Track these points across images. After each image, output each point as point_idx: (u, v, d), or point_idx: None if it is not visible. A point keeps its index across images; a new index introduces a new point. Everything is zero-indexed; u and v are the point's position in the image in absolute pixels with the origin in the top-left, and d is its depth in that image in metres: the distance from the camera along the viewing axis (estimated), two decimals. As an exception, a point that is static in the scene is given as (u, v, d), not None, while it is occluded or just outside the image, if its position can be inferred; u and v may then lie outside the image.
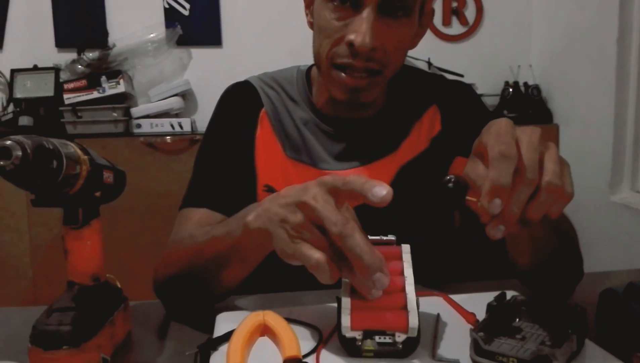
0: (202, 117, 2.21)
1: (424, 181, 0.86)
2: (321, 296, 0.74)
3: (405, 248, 0.66)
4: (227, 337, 0.61)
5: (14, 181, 0.50)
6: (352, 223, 0.54)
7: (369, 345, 0.58)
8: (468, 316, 0.67)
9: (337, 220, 0.53)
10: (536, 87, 2.26)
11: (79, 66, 2.12)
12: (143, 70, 2.24)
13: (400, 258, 0.65)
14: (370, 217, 0.80)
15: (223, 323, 0.67)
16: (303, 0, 0.91)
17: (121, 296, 0.69)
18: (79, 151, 0.57)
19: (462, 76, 2.24)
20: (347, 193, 0.55)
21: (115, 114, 2.07)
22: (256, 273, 0.83)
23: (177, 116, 2.18)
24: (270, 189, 0.90)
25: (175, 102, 2.17)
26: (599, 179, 1.97)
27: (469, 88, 1.02)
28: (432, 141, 0.94)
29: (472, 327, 0.59)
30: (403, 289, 0.61)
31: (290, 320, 0.63)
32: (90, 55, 2.13)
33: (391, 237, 0.68)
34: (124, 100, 2.15)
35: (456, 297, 0.72)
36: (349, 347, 0.58)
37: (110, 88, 2.09)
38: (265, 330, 0.62)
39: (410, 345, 0.58)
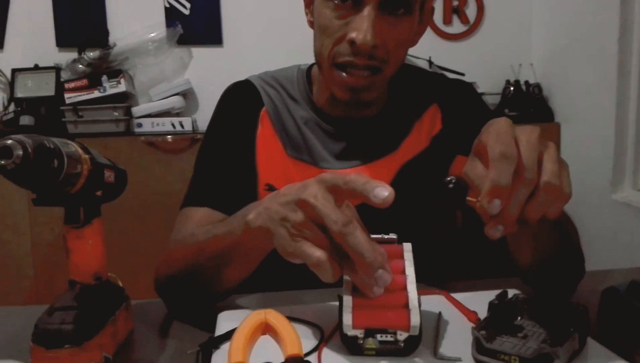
0: (203, 117, 2.21)
1: (424, 180, 0.86)
2: (323, 295, 0.74)
3: (407, 247, 0.66)
4: (228, 335, 0.61)
5: (15, 181, 0.50)
6: (352, 220, 0.53)
7: (370, 343, 0.58)
8: (470, 314, 0.67)
9: (338, 218, 0.53)
10: (537, 86, 2.25)
11: (80, 66, 2.12)
12: (144, 69, 2.24)
13: (401, 256, 0.65)
14: (371, 216, 0.80)
15: (224, 321, 0.67)
16: (303, 0, 0.91)
17: (123, 295, 0.69)
18: (80, 150, 0.57)
19: (463, 74, 2.24)
20: (347, 192, 0.55)
21: (116, 114, 2.07)
22: (257, 272, 0.83)
23: (178, 115, 2.18)
24: (271, 188, 0.90)
25: (176, 102, 2.17)
26: (601, 178, 1.97)
27: (469, 87, 1.02)
28: (432, 140, 0.94)
29: (474, 325, 0.59)
30: (404, 287, 0.61)
31: (291, 319, 0.63)
32: (91, 54, 2.13)
33: (392, 236, 0.68)
34: (125, 99, 2.15)
35: (458, 296, 0.72)
36: (350, 346, 0.58)
37: (111, 87, 2.09)
38: (266, 329, 0.62)
39: (412, 344, 0.58)
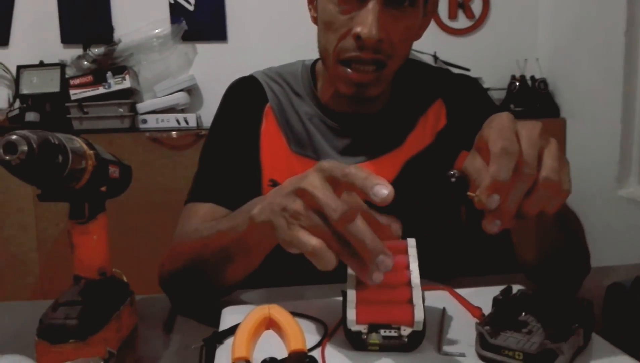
0: (208, 113, 2.21)
1: (429, 176, 0.86)
2: (326, 290, 0.74)
3: (411, 242, 0.66)
4: (232, 330, 0.62)
5: (19, 176, 0.51)
6: (352, 208, 0.53)
7: (374, 338, 0.58)
8: (474, 310, 0.67)
9: (337, 206, 0.52)
10: (543, 81, 2.24)
11: (85, 62, 2.13)
12: (149, 65, 2.24)
13: (405, 252, 0.65)
14: (376, 211, 0.80)
15: (228, 316, 0.67)
16: None
17: (127, 290, 0.70)
18: (85, 146, 0.57)
19: (468, 70, 2.23)
20: (346, 185, 0.54)
21: (121, 110, 2.07)
22: (262, 267, 0.83)
23: (182, 111, 2.18)
24: (275, 184, 0.90)
25: (180, 98, 2.17)
26: (607, 173, 1.96)
27: (474, 82, 1.02)
28: (437, 136, 0.94)
29: (478, 321, 0.59)
30: (408, 283, 0.61)
31: (295, 314, 0.63)
32: (96, 51, 2.13)
33: (397, 231, 0.68)
34: (130, 95, 2.15)
35: (462, 291, 0.72)
36: (354, 341, 0.58)
37: (116, 84, 2.09)
38: (270, 324, 0.62)
39: (416, 339, 0.58)
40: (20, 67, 2.13)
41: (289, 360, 0.55)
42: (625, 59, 1.86)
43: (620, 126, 1.90)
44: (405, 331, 0.57)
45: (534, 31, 2.40)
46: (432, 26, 2.33)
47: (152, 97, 2.21)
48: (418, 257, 0.64)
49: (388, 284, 0.62)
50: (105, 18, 2.22)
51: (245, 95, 0.97)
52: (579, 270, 0.80)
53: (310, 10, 0.91)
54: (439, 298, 0.70)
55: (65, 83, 2.09)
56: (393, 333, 0.57)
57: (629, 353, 0.56)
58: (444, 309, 0.68)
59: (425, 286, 0.61)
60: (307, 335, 0.59)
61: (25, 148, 0.49)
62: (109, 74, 2.09)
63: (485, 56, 2.36)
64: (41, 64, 2.14)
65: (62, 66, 2.13)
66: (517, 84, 2.25)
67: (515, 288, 0.66)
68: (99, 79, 2.08)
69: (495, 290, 0.64)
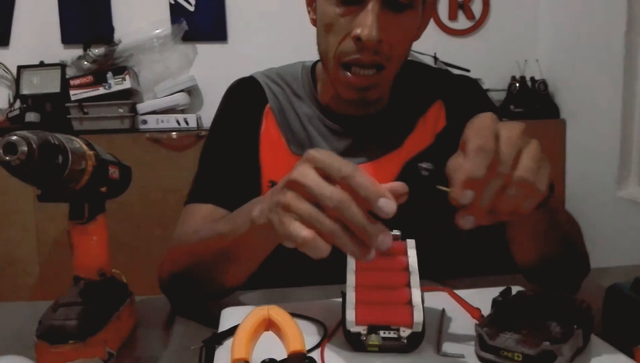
0: (208, 113, 2.21)
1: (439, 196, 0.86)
2: (326, 291, 0.74)
3: (410, 243, 0.66)
4: (231, 331, 0.62)
5: (19, 176, 0.51)
6: (345, 194, 0.52)
7: (373, 339, 0.58)
8: (473, 311, 0.67)
9: (331, 194, 0.52)
10: (543, 82, 2.24)
11: (85, 62, 2.12)
12: (149, 66, 2.24)
13: (405, 253, 0.65)
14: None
15: (228, 317, 0.67)
16: None
17: (127, 291, 0.70)
18: (85, 147, 0.57)
19: (468, 70, 2.23)
20: (345, 186, 0.53)
21: (121, 110, 2.07)
22: (261, 269, 0.83)
23: (182, 112, 2.18)
24: (275, 185, 0.90)
25: (181, 98, 2.17)
26: (606, 175, 1.96)
27: (474, 83, 1.02)
28: (437, 137, 0.94)
29: (478, 322, 0.59)
30: (408, 284, 0.61)
31: (294, 315, 0.63)
32: (96, 51, 2.13)
33: (396, 232, 0.68)
34: (130, 96, 2.15)
35: (461, 292, 0.72)
36: (353, 342, 0.58)
37: (116, 84, 2.09)
38: (269, 325, 0.62)
39: (415, 340, 0.58)
40: (20, 68, 2.13)
41: (289, 361, 0.55)
42: (625, 60, 1.86)
43: (620, 127, 1.90)
44: (405, 332, 0.57)
45: (534, 32, 2.40)
46: (432, 27, 2.33)
47: (152, 97, 2.21)
48: (417, 258, 0.64)
49: (387, 285, 0.62)
50: (106, 18, 2.22)
51: (245, 96, 0.97)
52: (577, 271, 0.80)
53: (309, 12, 0.90)
54: (438, 299, 0.70)
55: (65, 83, 2.09)
56: (392, 335, 0.57)
57: (627, 355, 0.56)
58: (443, 310, 0.68)
59: (424, 288, 0.61)
60: (307, 336, 0.59)
61: (25, 148, 0.49)
62: (109, 74, 2.09)
63: (485, 57, 2.36)
64: (41, 65, 2.14)
65: (62, 66, 2.13)
66: (517, 85, 2.25)
67: (515, 289, 0.66)
68: (99, 80, 2.08)
69: (495, 291, 0.64)
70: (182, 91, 2.19)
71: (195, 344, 0.62)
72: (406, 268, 0.63)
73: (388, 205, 0.51)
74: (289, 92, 0.96)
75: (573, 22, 2.16)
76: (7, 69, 2.17)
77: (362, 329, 0.58)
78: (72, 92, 2.06)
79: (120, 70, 2.10)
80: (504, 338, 0.57)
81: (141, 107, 2.13)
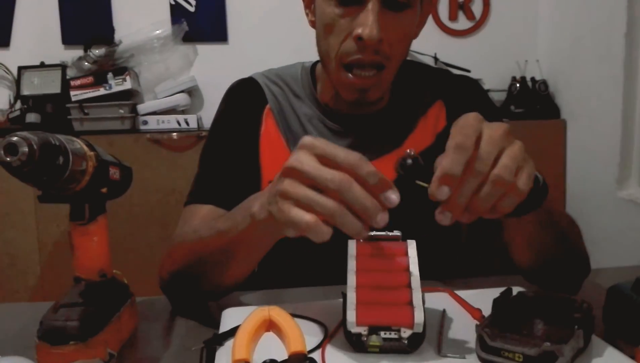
0: (208, 114, 2.20)
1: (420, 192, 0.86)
2: (326, 292, 0.74)
3: (411, 244, 0.66)
4: (232, 332, 0.62)
5: (20, 177, 0.51)
6: (346, 176, 0.53)
7: (374, 340, 0.58)
8: (474, 312, 0.67)
9: (332, 176, 0.53)
10: (543, 83, 2.24)
11: (86, 63, 2.12)
12: (149, 67, 2.24)
13: (405, 254, 0.65)
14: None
15: (229, 318, 0.67)
16: (302, 0, 0.91)
17: (127, 292, 0.70)
18: (85, 147, 0.57)
19: (468, 71, 2.22)
20: (350, 172, 0.53)
21: (121, 111, 2.07)
22: (262, 269, 0.83)
23: (183, 112, 2.18)
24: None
25: (181, 99, 2.17)
26: (607, 175, 1.95)
27: (475, 83, 1.02)
28: (437, 137, 0.94)
29: (478, 323, 0.59)
30: (409, 285, 0.61)
31: (295, 316, 0.63)
32: (97, 52, 2.13)
33: (397, 233, 0.68)
34: (130, 97, 2.15)
35: (462, 293, 0.72)
36: (354, 343, 0.58)
37: (117, 85, 2.09)
38: (270, 326, 0.62)
39: (416, 341, 0.58)
40: (21, 68, 2.13)
41: (289, 362, 0.55)
42: (626, 60, 1.86)
43: (621, 128, 1.89)
44: (406, 333, 0.57)
45: (534, 32, 2.40)
46: (433, 27, 2.33)
47: (153, 98, 2.21)
48: (418, 259, 0.64)
49: (388, 286, 0.62)
50: (106, 19, 2.22)
51: (244, 97, 0.97)
52: (577, 272, 0.80)
53: (307, 14, 0.91)
54: (439, 300, 0.70)
55: (66, 84, 2.09)
56: (393, 335, 0.57)
57: (628, 355, 0.56)
58: (444, 311, 0.68)
59: (425, 288, 0.61)
60: (307, 336, 0.59)
61: (26, 149, 0.49)
62: (110, 75, 2.08)
63: (486, 57, 2.35)
64: (42, 65, 2.14)
65: (62, 67, 2.13)
66: (518, 85, 2.24)
67: (515, 290, 0.66)
68: (100, 80, 2.08)
69: (495, 292, 0.64)
70: (182, 91, 2.19)
71: (196, 345, 0.62)
72: (407, 269, 0.63)
73: (395, 195, 0.53)
74: (288, 93, 0.96)
75: (573, 22, 2.16)
76: (7, 69, 2.17)
77: (362, 330, 0.58)
78: (72, 93, 2.06)
79: (120, 71, 2.10)
80: (505, 339, 0.57)
81: (142, 108, 2.13)
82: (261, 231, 0.64)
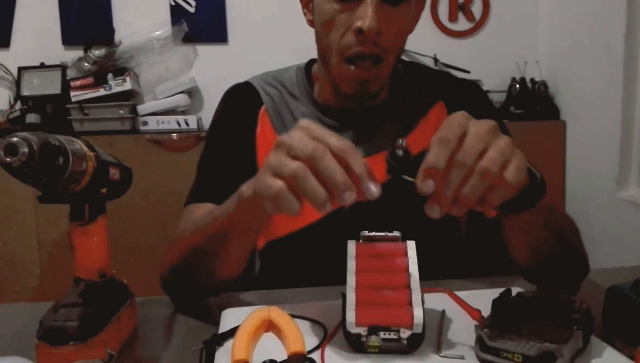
0: (208, 115, 2.18)
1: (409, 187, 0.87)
2: (326, 292, 0.74)
3: (411, 245, 0.67)
4: (232, 332, 0.62)
5: (20, 178, 0.51)
6: (322, 146, 0.54)
7: (373, 340, 0.58)
8: (473, 312, 0.67)
9: (308, 145, 0.54)
10: (543, 84, 2.24)
11: (86, 64, 2.12)
12: (149, 67, 2.24)
13: (405, 254, 0.66)
14: (375, 213, 0.80)
15: (228, 319, 0.67)
16: (299, 1, 0.93)
17: (127, 292, 0.70)
18: (85, 148, 0.57)
19: (468, 72, 2.23)
20: (340, 159, 0.54)
21: (121, 112, 2.07)
22: (262, 269, 0.83)
23: (183, 113, 2.18)
24: None
25: (181, 100, 2.17)
26: (606, 176, 1.96)
27: (476, 86, 1.03)
28: None
29: (478, 323, 0.59)
30: (408, 285, 0.61)
31: (295, 316, 0.63)
32: (97, 52, 2.13)
33: (396, 233, 0.68)
34: (130, 97, 2.15)
35: (461, 293, 0.72)
36: (353, 343, 0.58)
37: (117, 85, 2.09)
38: (270, 326, 0.63)
39: (415, 341, 0.58)
40: (21, 69, 2.13)
41: (289, 362, 0.56)
42: (625, 61, 1.86)
43: (620, 129, 1.90)
44: (405, 333, 0.57)
45: (534, 33, 2.40)
46: (432, 28, 2.33)
47: (153, 99, 2.21)
48: (417, 259, 0.64)
49: (387, 286, 0.62)
50: (106, 20, 2.22)
51: (240, 100, 0.99)
52: (575, 272, 0.80)
53: (305, 14, 0.93)
54: (439, 300, 0.70)
55: (66, 85, 2.09)
56: (392, 336, 0.58)
57: (628, 356, 0.56)
58: (443, 311, 0.68)
59: (424, 289, 0.61)
60: (307, 337, 0.59)
61: (26, 149, 0.49)
62: (110, 75, 2.08)
63: (486, 58, 2.36)
64: (42, 66, 2.14)
65: (63, 67, 2.13)
66: (517, 86, 2.24)
67: (515, 290, 0.66)
68: (100, 81, 2.08)
69: (495, 293, 0.64)
70: (182, 92, 2.19)
71: (195, 345, 0.62)
72: (406, 270, 0.63)
73: (376, 188, 0.54)
74: (284, 93, 0.98)
75: (573, 23, 2.16)
76: (7, 70, 2.17)
77: (362, 330, 0.58)
78: (72, 93, 2.06)
79: (120, 71, 2.10)
80: (504, 339, 0.57)
81: (142, 108, 2.13)
82: (247, 211, 0.65)
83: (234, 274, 0.76)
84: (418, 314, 0.58)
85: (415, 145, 0.93)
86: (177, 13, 2.25)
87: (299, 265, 0.93)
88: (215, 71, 2.25)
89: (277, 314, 0.62)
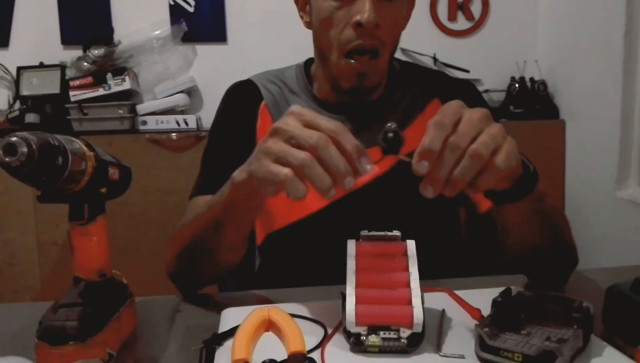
0: (208, 114, 2.21)
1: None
2: (326, 292, 0.74)
3: (410, 244, 0.67)
4: (232, 332, 0.62)
5: (19, 178, 0.51)
6: (324, 135, 0.57)
7: (373, 340, 0.58)
8: (473, 311, 0.67)
9: (311, 134, 0.57)
10: (542, 83, 2.24)
11: (85, 63, 2.12)
12: (148, 67, 2.24)
13: (405, 253, 0.65)
14: (375, 212, 0.80)
15: (228, 318, 0.67)
16: (295, 4, 0.97)
17: (127, 292, 0.70)
18: (85, 148, 0.57)
19: (467, 71, 2.23)
20: (333, 140, 0.57)
21: (120, 111, 2.07)
22: (262, 269, 0.83)
23: (182, 112, 2.18)
24: None
25: (180, 99, 2.17)
26: (606, 175, 1.96)
27: (471, 85, 1.06)
28: None
29: (477, 323, 0.59)
30: (408, 285, 0.61)
31: (294, 316, 0.63)
32: (96, 52, 2.13)
33: (396, 233, 0.68)
34: (130, 97, 2.15)
35: (461, 293, 0.72)
36: (353, 342, 0.58)
37: (116, 85, 2.09)
38: (270, 326, 0.62)
39: (415, 341, 0.58)
40: (20, 69, 2.13)
41: (289, 361, 0.55)
42: (625, 60, 1.86)
43: (620, 128, 1.90)
44: (405, 333, 0.57)
45: (533, 33, 2.40)
46: (432, 28, 2.33)
47: (152, 98, 2.21)
48: (417, 259, 0.64)
49: (387, 286, 0.62)
50: (105, 19, 2.22)
51: (241, 97, 1.01)
52: (565, 262, 0.82)
53: (302, 17, 0.97)
54: (438, 299, 0.70)
55: (65, 84, 2.09)
56: (392, 335, 0.58)
57: (627, 355, 0.56)
58: (443, 311, 0.68)
59: (424, 288, 0.61)
60: (307, 336, 0.59)
61: (25, 149, 0.49)
62: (109, 75, 2.08)
63: (485, 58, 2.36)
64: (41, 66, 2.14)
65: (62, 67, 2.13)
66: (517, 85, 2.24)
67: (515, 289, 0.66)
68: (99, 81, 2.08)
69: (495, 292, 0.64)
70: (181, 91, 2.19)
71: (195, 345, 0.62)
72: (406, 269, 0.63)
73: (369, 164, 0.58)
74: (284, 89, 1.00)
75: (572, 22, 2.16)
76: (6, 70, 2.17)
77: (362, 330, 0.58)
78: (71, 93, 2.06)
79: (119, 71, 2.10)
80: (504, 338, 0.57)
81: (141, 108, 2.13)
82: (242, 194, 0.68)
83: (234, 259, 0.80)
84: (418, 313, 0.58)
85: (412, 140, 0.94)
86: (176, 12, 2.24)
87: (298, 259, 0.94)
88: (214, 70, 2.25)
89: (277, 314, 0.62)
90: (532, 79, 2.27)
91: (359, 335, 0.58)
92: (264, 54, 2.24)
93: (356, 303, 0.59)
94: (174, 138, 2.03)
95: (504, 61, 2.37)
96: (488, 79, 2.31)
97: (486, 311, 0.63)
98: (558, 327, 0.58)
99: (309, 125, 0.59)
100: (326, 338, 0.61)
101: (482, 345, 0.56)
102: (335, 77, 0.91)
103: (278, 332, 0.61)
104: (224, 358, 0.58)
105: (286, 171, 0.57)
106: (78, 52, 2.16)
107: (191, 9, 2.25)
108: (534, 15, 2.39)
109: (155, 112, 2.13)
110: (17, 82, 2.12)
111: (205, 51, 2.29)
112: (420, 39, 2.24)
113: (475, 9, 2.38)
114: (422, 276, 0.62)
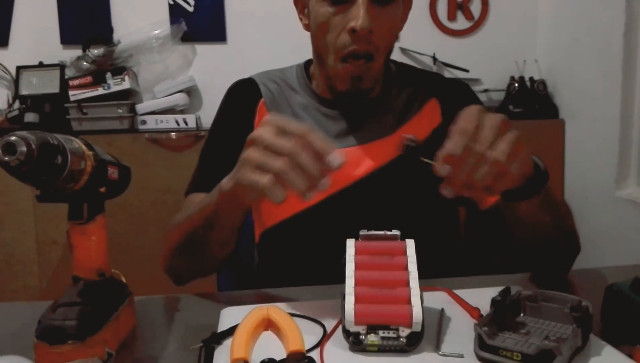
0: (207, 114, 2.21)
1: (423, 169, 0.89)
2: (325, 291, 0.74)
3: (410, 243, 0.67)
4: (231, 331, 0.62)
5: (18, 177, 0.51)
6: (297, 144, 0.61)
7: (372, 339, 0.58)
8: (472, 311, 0.67)
9: (285, 143, 0.61)
10: (542, 82, 2.24)
11: (84, 63, 2.12)
12: (148, 66, 2.24)
13: (404, 253, 0.66)
14: (374, 212, 0.80)
15: (227, 317, 0.67)
16: (295, 6, 0.99)
17: (126, 291, 0.70)
18: (84, 147, 0.57)
19: (467, 71, 2.23)
20: (302, 143, 0.61)
21: (120, 111, 2.07)
22: (261, 268, 0.83)
23: (182, 112, 2.18)
24: None
25: (180, 99, 2.17)
26: (605, 175, 1.96)
27: (466, 85, 1.07)
28: (434, 132, 0.96)
29: (477, 322, 0.59)
30: (407, 284, 0.61)
31: (294, 315, 0.63)
32: (96, 51, 2.13)
33: (395, 232, 0.68)
34: (129, 96, 2.15)
35: (460, 292, 0.72)
36: (353, 342, 0.58)
37: (116, 85, 2.09)
38: (269, 325, 0.63)
39: (414, 340, 0.58)
40: (19, 68, 2.13)
41: (288, 361, 0.56)
42: (624, 60, 1.86)
43: (619, 127, 1.90)
44: (404, 332, 0.58)
45: (533, 32, 2.40)
46: (431, 27, 2.33)
47: (152, 98, 2.21)
48: (417, 258, 0.64)
49: (387, 285, 0.62)
50: (105, 19, 2.22)
51: (242, 95, 1.02)
52: (569, 249, 0.85)
53: (301, 19, 0.99)
54: (438, 298, 0.71)
55: (64, 84, 2.09)
56: (391, 334, 0.58)
57: (626, 354, 0.56)
58: (442, 310, 0.68)
59: (423, 287, 0.61)
60: (306, 336, 0.59)
61: (24, 148, 0.49)
62: (109, 75, 2.08)
63: (484, 57, 2.35)
64: (40, 65, 2.14)
65: (61, 66, 2.13)
66: (516, 85, 2.24)
67: (514, 289, 0.67)
68: (99, 80, 2.08)
69: (494, 291, 0.64)
70: (181, 91, 2.19)
71: (194, 344, 0.62)
72: (405, 268, 0.63)
73: (336, 158, 0.61)
74: (284, 87, 1.01)
75: (572, 22, 2.16)
76: (6, 69, 2.17)
77: (361, 329, 0.58)
78: (71, 92, 2.06)
79: (119, 70, 2.10)
80: (503, 337, 0.57)
81: (140, 107, 2.13)
82: (228, 201, 0.72)
83: (225, 252, 0.83)
84: (417, 312, 0.58)
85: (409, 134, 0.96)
86: (175, 12, 2.24)
87: (293, 256, 0.95)
88: (214, 70, 2.25)
89: (276, 313, 0.62)
90: (531, 79, 2.27)
91: (358, 334, 0.58)
92: (263, 53, 2.24)
93: (355, 303, 0.59)
94: (174, 137, 2.02)
95: (504, 60, 2.37)
96: (488, 79, 2.30)
97: (485, 310, 0.63)
98: (557, 326, 0.58)
99: (282, 131, 0.63)
100: (325, 338, 0.61)
101: (481, 344, 0.56)
102: (332, 79, 0.93)
103: (277, 331, 0.61)
104: (223, 358, 0.58)
105: (265, 179, 0.61)
106: (77, 52, 2.16)
107: (191, 9, 2.25)
108: (534, 14, 2.39)
109: (154, 112, 2.13)
110: (16, 82, 2.12)
111: (204, 50, 2.29)
112: (419, 39, 2.23)
113: (475, 8, 2.38)
114: (422, 276, 0.62)
